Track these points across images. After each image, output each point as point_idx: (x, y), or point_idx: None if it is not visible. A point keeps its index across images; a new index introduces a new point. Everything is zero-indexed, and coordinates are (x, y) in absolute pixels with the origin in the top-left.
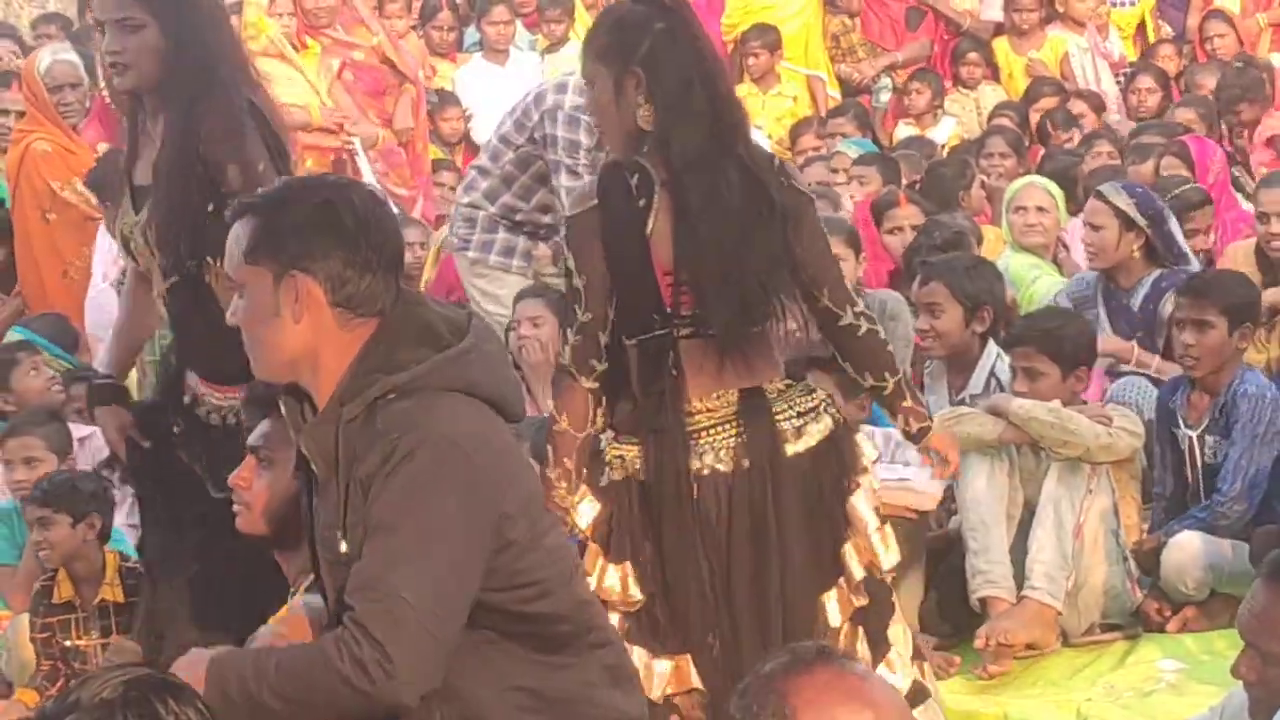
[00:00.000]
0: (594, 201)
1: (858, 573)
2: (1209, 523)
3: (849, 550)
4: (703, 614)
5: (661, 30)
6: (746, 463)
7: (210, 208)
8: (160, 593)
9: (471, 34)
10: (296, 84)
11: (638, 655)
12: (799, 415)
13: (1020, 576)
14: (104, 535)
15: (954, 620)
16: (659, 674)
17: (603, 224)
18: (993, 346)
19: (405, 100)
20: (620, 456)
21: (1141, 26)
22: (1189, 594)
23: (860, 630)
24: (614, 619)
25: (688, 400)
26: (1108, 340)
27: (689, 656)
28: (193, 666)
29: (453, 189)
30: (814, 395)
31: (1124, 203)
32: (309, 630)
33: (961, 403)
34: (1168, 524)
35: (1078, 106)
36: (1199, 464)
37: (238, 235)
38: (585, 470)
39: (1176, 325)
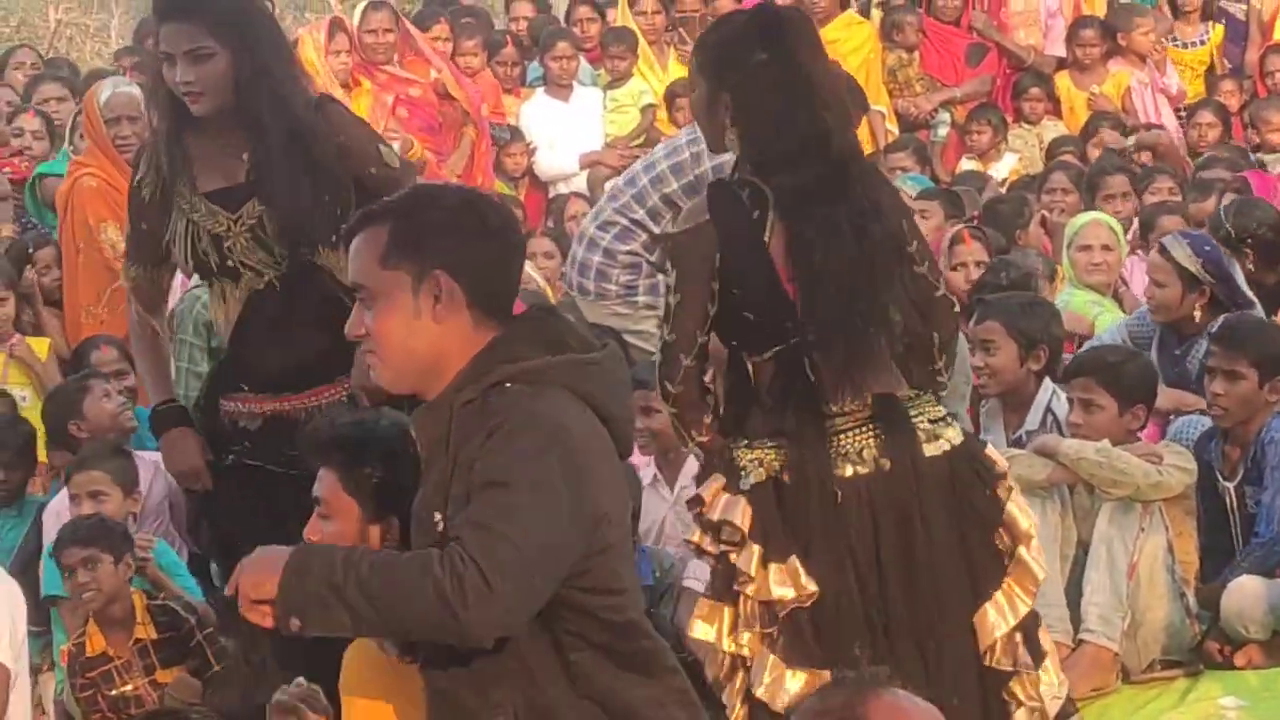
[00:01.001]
0: (705, 217)
1: (1040, 573)
2: (1267, 565)
3: (1022, 556)
4: (851, 623)
5: (761, 62)
6: (887, 464)
7: (328, 198)
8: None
9: (535, 69)
10: None
11: (770, 666)
12: (930, 422)
13: (1076, 617)
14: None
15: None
16: (788, 689)
17: (721, 238)
18: (1048, 383)
19: (465, 143)
20: (757, 460)
21: (1212, 66)
22: (1251, 636)
23: (1020, 636)
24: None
25: (825, 404)
26: (1168, 394)
27: (827, 673)
28: (270, 555)
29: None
30: (939, 407)
31: (1189, 261)
32: None
33: (1018, 440)
34: (1224, 570)
35: (1145, 141)
36: (1240, 515)
37: (369, 241)
38: (724, 479)
39: (1208, 373)
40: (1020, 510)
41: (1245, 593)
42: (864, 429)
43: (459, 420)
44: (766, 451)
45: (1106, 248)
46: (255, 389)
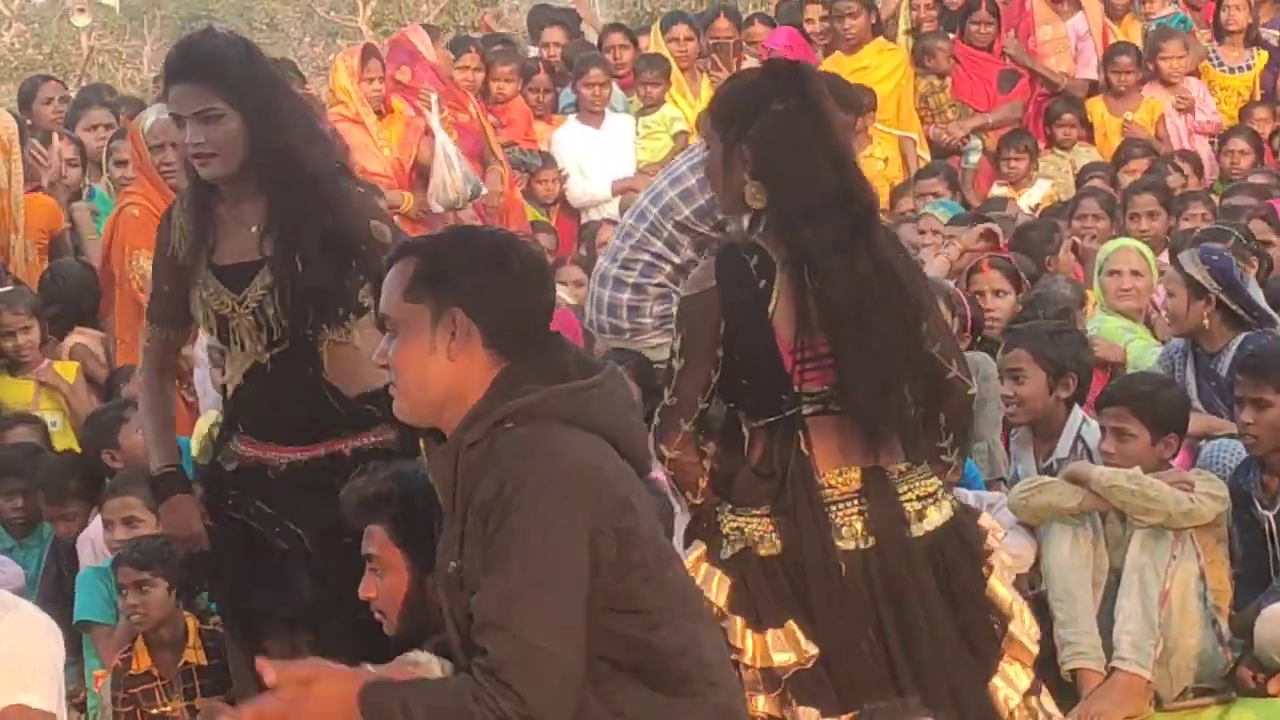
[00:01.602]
0: (711, 284)
1: (1033, 649)
2: None
3: (1014, 632)
4: (866, 672)
5: (778, 112)
6: (872, 541)
7: (331, 277)
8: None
9: (567, 95)
10: (371, 154)
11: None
12: (919, 499)
13: (1109, 644)
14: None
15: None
16: None
17: (724, 307)
18: (1078, 410)
19: (494, 173)
20: (739, 529)
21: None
22: None
23: (1034, 700)
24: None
25: (819, 475)
26: (1196, 419)
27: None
28: (344, 689)
29: (550, 251)
30: (931, 481)
31: (1196, 270)
32: None
33: (1049, 468)
34: (1258, 598)
35: (1175, 168)
36: (1278, 543)
37: (398, 274)
38: (704, 547)
39: (1236, 402)
40: (1003, 586)
41: (1278, 622)
42: (849, 504)
43: (465, 464)
44: (750, 520)
45: (1136, 273)
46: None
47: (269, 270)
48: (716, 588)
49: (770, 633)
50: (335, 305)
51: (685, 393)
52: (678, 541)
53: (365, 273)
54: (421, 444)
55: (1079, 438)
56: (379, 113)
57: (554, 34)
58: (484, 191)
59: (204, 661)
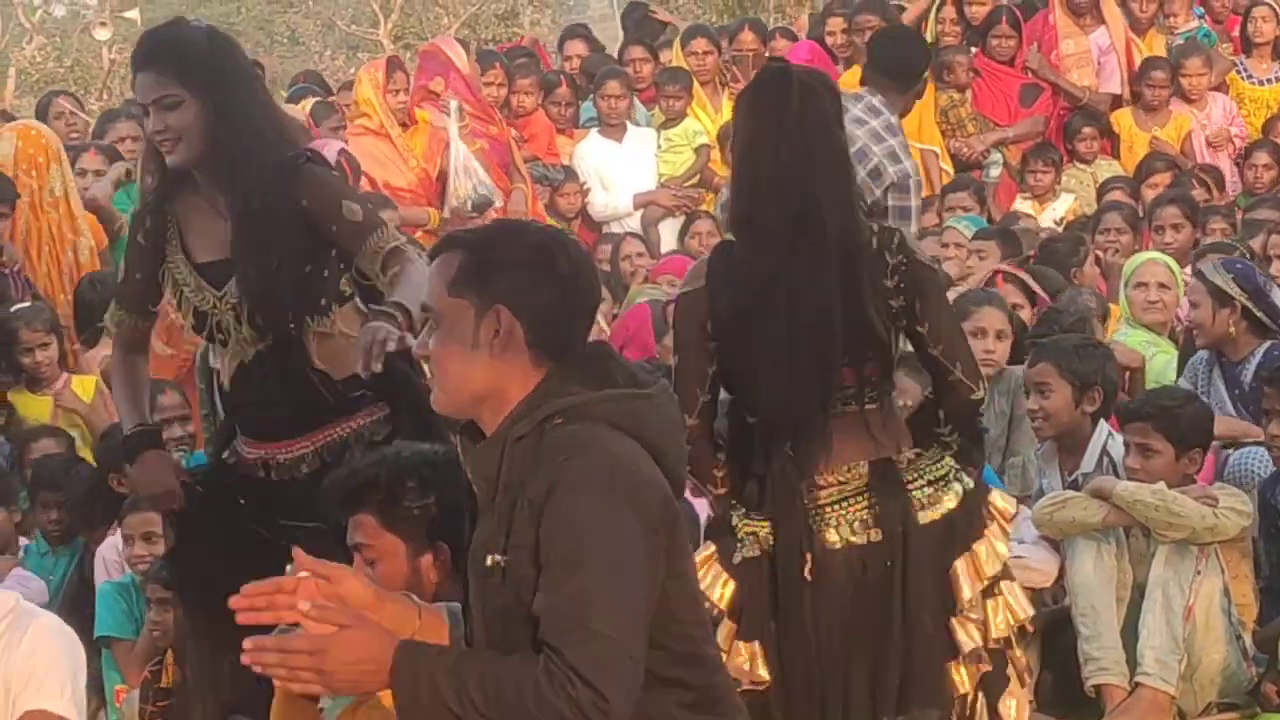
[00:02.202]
0: (701, 283)
1: (966, 643)
2: None
3: (955, 623)
4: (809, 705)
5: (743, 123)
6: (879, 534)
7: (308, 268)
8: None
9: (588, 109)
10: (395, 167)
11: None
12: (929, 484)
13: (1133, 659)
14: None
15: (1069, 699)
16: None
17: (711, 305)
18: (1104, 425)
19: (518, 193)
20: (753, 533)
21: None
22: None
23: (982, 697)
24: None
25: (816, 474)
26: (1224, 421)
27: None
28: (376, 646)
29: None
30: (943, 463)
31: (1220, 279)
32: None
33: (1074, 483)
34: None
35: (1198, 183)
36: None
37: (442, 266)
38: (715, 548)
39: (1265, 415)
40: (963, 574)
41: None
42: (858, 499)
43: (511, 457)
44: (761, 525)
45: (1163, 286)
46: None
47: (238, 270)
48: (721, 590)
49: (741, 644)
50: (317, 297)
51: (683, 387)
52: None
53: (344, 259)
54: (458, 441)
55: (1104, 452)
56: (403, 125)
57: (576, 47)
58: (497, 204)
59: None
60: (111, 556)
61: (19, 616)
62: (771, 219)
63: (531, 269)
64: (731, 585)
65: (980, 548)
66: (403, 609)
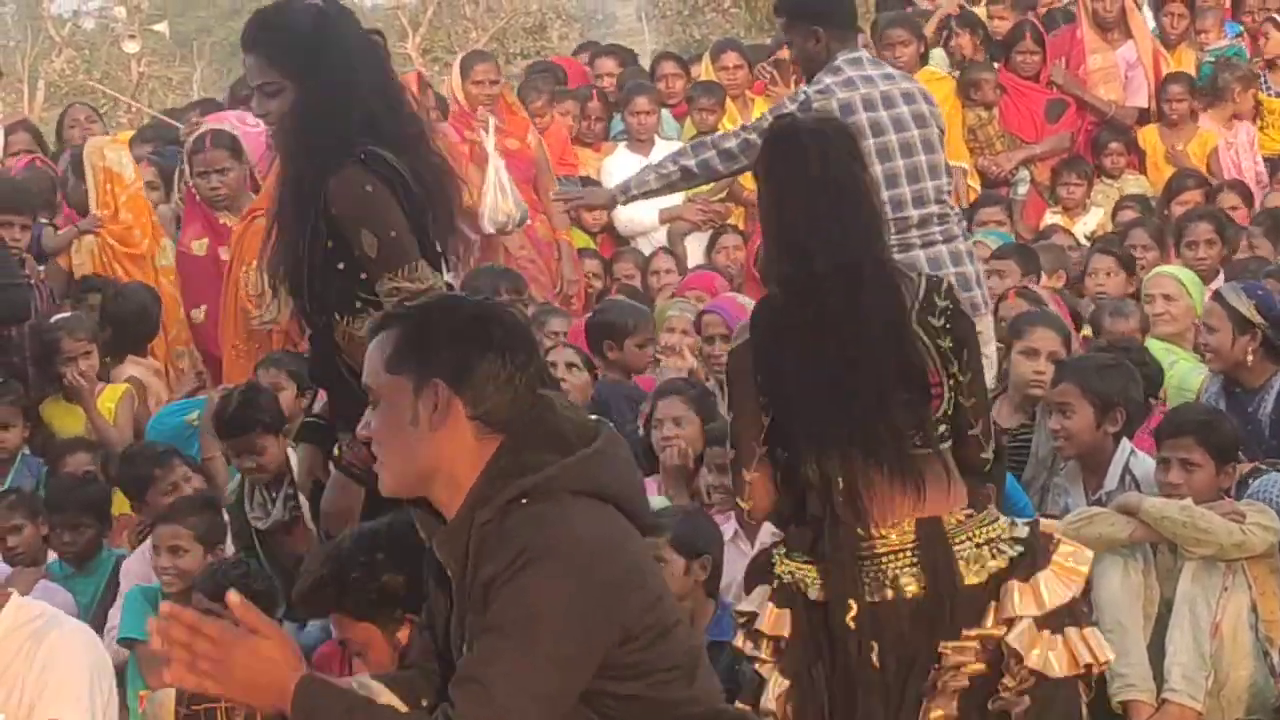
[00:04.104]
0: (747, 336)
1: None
2: None
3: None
4: None
5: (764, 179)
6: (922, 592)
7: (341, 266)
8: None
9: (617, 123)
10: None
11: None
12: (977, 546)
13: (1160, 676)
14: None
15: (1096, 715)
16: None
17: (755, 358)
18: (1126, 443)
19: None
20: (791, 573)
21: None
22: None
23: None
24: None
25: (866, 525)
26: None
27: None
28: (282, 666)
29: (597, 276)
30: (995, 525)
31: (1242, 304)
32: None
33: (1098, 501)
34: None
35: (1229, 199)
36: None
37: (380, 346)
38: (768, 587)
39: None
40: (1053, 587)
41: None
42: (903, 554)
43: (477, 541)
44: (801, 566)
45: (1168, 298)
46: None
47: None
48: (779, 623)
49: (778, 675)
50: (350, 298)
51: (741, 444)
52: (728, 568)
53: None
54: (417, 521)
55: (1127, 470)
56: None
57: (607, 64)
58: (527, 221)
59: None
60: (136, 567)
61: (44, 625)
62: (815, 271)
63: (465, 341)
64: (788, 616)
65: (1043, 577)
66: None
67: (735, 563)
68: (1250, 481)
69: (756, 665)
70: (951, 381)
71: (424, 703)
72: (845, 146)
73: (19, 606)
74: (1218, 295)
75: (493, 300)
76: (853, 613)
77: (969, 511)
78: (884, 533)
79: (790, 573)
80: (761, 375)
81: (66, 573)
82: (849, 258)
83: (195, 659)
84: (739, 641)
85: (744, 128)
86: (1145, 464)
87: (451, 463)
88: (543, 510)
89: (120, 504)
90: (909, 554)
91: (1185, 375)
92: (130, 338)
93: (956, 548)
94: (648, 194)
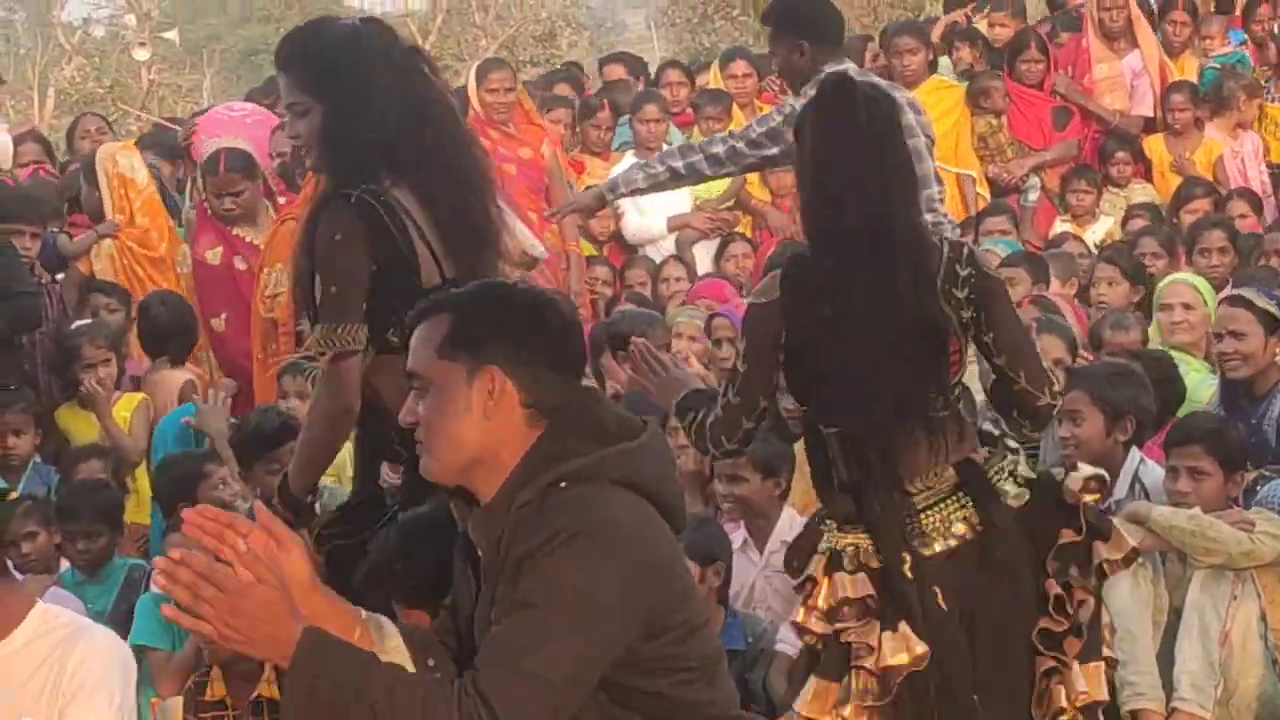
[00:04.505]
0: (776, 294)
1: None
2: None
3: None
4: (958, 686)
5: (810, 130)
6: (980, 528)
7: (333, 288)
8: None
9: (623, 132)
10: None
11: None
12: (1009, 475)
13: (1169, 684)
14: None
15: None
16: None
17: (785, 318)
18: (1135, 451)
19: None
20: (854, 545)
21: None
22: None
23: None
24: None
25: (901, 484)
26: None
27: None
28: (284, 617)
29: (606, 284)
30: (1008, 455)
31: (1266, 302)
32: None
33: (1108, 509)
34: None
35: (1238, 207)
36: None
37: (429, 331)
38: (823, 558)
39: None
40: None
41: None
42: (949, 501)
43: (515, 523)
44: (858, 537)
45: (1187, 306)
46: None
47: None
48: (851, 586)
49: (885, 634)
50: (381, 331)
51: (749, 393)
52: (737, 580)
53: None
54: (453, 506)
55: (1136, 478)
56: None
57: (616, 70)
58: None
59: (277, 696)
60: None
61: (74, 633)
62: (849, 225)
63: (522, 328)
64: (860, 578)
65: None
66: (338, 612)
67: (744, 571)
68: (1257, 489)
69: (845, 634)
70: (977, 346)
71: (430, 661)
72: (892, 113)
73: (44, 613)
74: (1241, 300)
75: (547, 290)
76: (908, 564)
77: (988, 450)
78: (923, 486)
79: (852, 544)
80: (790, 334)
81: (77, 580)
82: (882, 212)
83: (198, 602)
84: (800, 618)
85: (731, 134)
86: (1154, 472)
87: (499, 450)
88: (582, 493)
89: (132, 512)
90: (954, 500)
91: (1196, 386)
92: (174, 345)
93: (994, 480)
94: (635, 192)
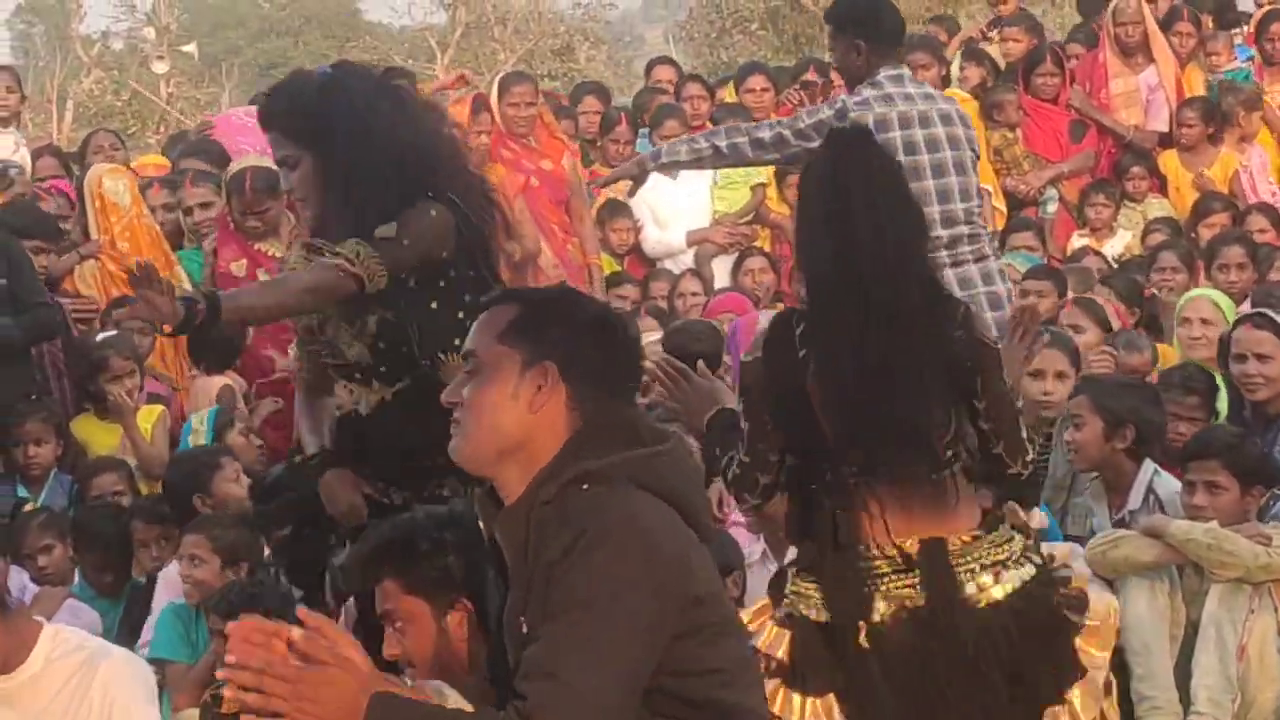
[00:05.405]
0: (759, 353)
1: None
2: None
3: (1076, 692)
4: None
5: (810, 181)
6: (922, 612)
7: (434, 305)
8: None
9: (642, 145)
10: None
11: None
12: (983, 568)
13: (1186, 698)
14: None
15: None
16: None
17: (767, 373)
18: (1149, 463)
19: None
20: (798, 593)
21: None
22: None
23: None
24: None
25: (867, 544)
26: None
27: None
28: (353, 689)
29: (633, 301)
30: (1005, 548)
31: None
32: None
33: (1122, 521)
34: None
35: (1257, 222)
36: None
37: (494, 315)
38: (768, 599)
39: None
40: (1095, 649)
41: None
42: (905, 575)
43: (537, 521)
44: (808, 587)
45: (1206, 321)
46: None
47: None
48: (776, 643)
49: (810, 701)
50: (436, 330)
51: (756, 450)
52: (752, 591)
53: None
54: (478, 508)
55: (1150, 490)
56: (483, 163)
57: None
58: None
59: None
60: (174, 574)
61: (91, 655)
62: (855, 270)
63: (587, 336)
64: (785, 637)
65: (1075, 697)
66: (400, 686)
67: (760, 584)
68: (1271, 506)
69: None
70: (967, 408)
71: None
72: (880, 159)
73: (54, 634)
74: (1267, 322)
75: (615, 308)
76: (863, 634)
77: (977, 533)
78: (887, 552)
79: (798, 592)
80: (775, 394)
81: (89, 594)
82: (899, 258)
83: (269, 699)
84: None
85: (779, 121)
86: (1169, 484)
87: (533, 445)
88: (602, 494)
89: None
90: (909, 575)
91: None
92: (218, 357)
93: (959, 569)
94: (676, 164)
